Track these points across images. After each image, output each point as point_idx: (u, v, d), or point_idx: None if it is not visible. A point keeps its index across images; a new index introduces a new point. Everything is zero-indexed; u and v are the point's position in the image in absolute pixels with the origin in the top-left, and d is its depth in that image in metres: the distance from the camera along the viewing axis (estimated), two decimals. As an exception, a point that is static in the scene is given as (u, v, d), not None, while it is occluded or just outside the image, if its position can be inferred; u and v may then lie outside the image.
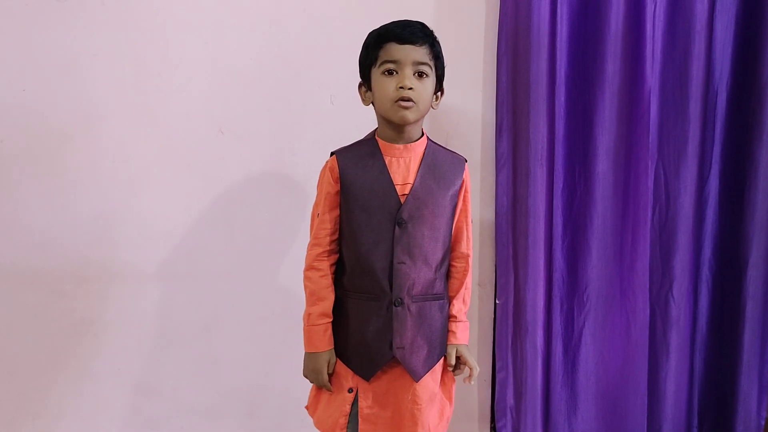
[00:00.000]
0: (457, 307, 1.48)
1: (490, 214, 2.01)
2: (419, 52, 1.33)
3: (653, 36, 1.85)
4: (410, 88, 1.32)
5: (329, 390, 1.45)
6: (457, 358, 1.48)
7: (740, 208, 1.95)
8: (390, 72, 1.33)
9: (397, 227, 1.37)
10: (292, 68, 1.88)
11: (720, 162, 1.98)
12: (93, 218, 1.83)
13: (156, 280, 1.88)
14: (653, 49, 1.86)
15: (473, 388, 2.08)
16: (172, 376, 1.92)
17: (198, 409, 1.95)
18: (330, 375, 1.44)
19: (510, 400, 2.02)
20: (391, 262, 1.38)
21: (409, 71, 1.32)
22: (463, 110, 1.98)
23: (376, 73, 1.36)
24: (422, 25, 1.36)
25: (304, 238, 1.48)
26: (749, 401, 1.98)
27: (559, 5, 1.83)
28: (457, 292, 1.49)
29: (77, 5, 1.76)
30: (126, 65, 1.80)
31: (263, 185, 1.91)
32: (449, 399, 1.50)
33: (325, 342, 1.42)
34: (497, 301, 2.00)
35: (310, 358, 1.43)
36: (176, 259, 1.89)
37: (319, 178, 1.45)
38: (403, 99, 1.32)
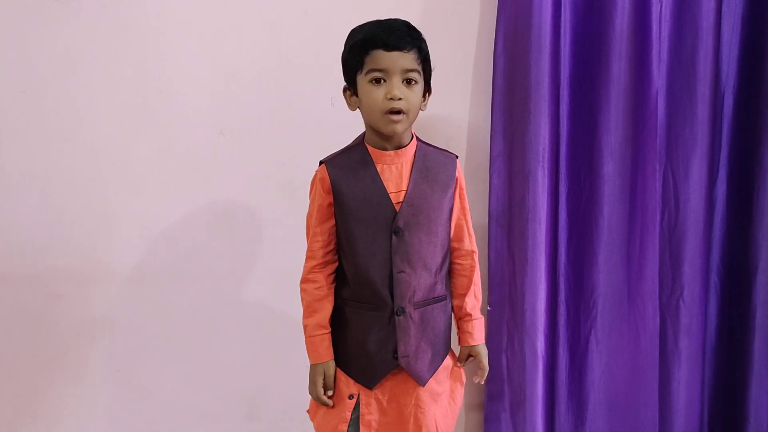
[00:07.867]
0: (471, 304, 1.45)
1: (481, 218, 1.95)
2: (407, 59, 1.27)
3: (659, 36, 1.81)
4: (400, 99, 1.27)
5: (325, 404, 1.41)
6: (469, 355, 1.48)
7: (749, 212, 1.90)
8: (377, 80, 1.28)
9: (393, 236, 1.34)
10: (293, 70, 1.86)
11: (727, 165, 1.94)
12: (93, 219, 1.83)
13: (156, 282, 1.88)
14: (660, 50, 1.82)
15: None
16: (172, 379, 1.92)
17: (198, 412, 1.94)
18: (326, 387, 1.42)
19: (506, 411, 1.97)
20: (391, 271, 1.35)
21: (397, 80, 1.27)
22: (455, 113, 1.95)
23: (362, 80, 1.30)
24: (408, 26, 1.30)
25: (304, 240, 1.45)
26: (760, 412, 1.93)
27: (562, 5, 1.80)
28: (468, 289, 1.45)
29: (77, 6, 1.75)
30: (126, 66, 1.80)
31: (264, 187, 1.90)
32: (455, 398, 1.48)
33: (321, 353, 1.40)
34: (489, 308, 1.95)
35: (310, 368, 1.42)
36: (176, 261, 1.88)
37: (311, 187, 1.42)
38: (393, 111, 1.27)
